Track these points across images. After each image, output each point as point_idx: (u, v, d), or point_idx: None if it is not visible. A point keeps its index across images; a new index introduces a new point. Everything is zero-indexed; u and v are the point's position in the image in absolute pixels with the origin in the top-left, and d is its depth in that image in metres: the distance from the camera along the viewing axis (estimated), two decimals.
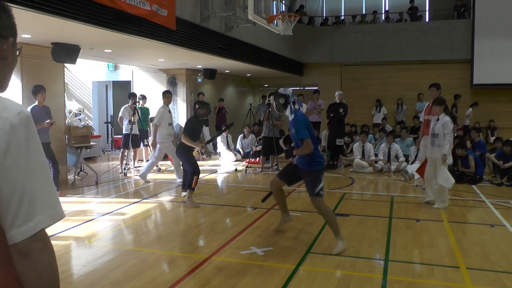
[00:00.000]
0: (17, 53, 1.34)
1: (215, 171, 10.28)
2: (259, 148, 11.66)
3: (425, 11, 17.88)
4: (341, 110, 11.18)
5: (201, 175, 10.09)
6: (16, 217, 1.15)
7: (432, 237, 5.50)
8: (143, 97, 11.34)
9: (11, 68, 1.32)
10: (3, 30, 1.26)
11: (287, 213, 5.71)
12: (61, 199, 7.22)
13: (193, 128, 7.07)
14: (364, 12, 18.31)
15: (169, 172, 10.29)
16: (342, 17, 18.44)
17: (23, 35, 7.26)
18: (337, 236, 4.99)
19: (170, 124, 8.99)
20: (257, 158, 11.56)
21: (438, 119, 7.02)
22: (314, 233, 5.59)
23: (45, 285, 1.21)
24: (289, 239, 5.36)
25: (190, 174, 7.03)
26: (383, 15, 18.14)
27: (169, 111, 9.09)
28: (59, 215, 1.23)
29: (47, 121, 7.45)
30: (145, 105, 11.43)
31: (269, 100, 10.62)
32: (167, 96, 9.13)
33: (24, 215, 1.15)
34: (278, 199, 5.66)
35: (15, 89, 7.94)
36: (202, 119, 7.25)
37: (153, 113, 12.46)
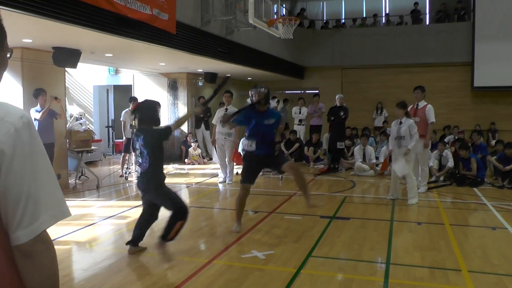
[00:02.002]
0: (8, 56, 1.33)
1: (216, 175, 10.27)
2: None
3: (426, 14, 17.89)
4: (342, 113, 11.19)
5: (202, 179, 10.26)
6: (22, 218, 1.17)
7: (433, 240, 5.49)
8: None
9: None
10: None
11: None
12: None
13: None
14: (364, 15, 18.32)
15: (170, 176, 10.29)
16: (343, 21, 18.44)
17: (24, 40, 7.29)
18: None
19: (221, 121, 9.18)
20: None
21: (401, 122, 7.43)
22: (315, 236, 5.58)
23: (46, 286, 1.23)
24: (290, 242, 5.35)
25: (174, 215, 4.60)
26: (384, 18, 18.17)
27: (226, 109, 9.19)
28: (63, 213, 1.25)
29: (52, 96, 7.85)
30: None
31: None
32: (224, 95, 9.38)
33: (30, 216, 1.17)
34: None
35: (16, 93, 7.97)
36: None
37: None
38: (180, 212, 4.58)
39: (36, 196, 1.18)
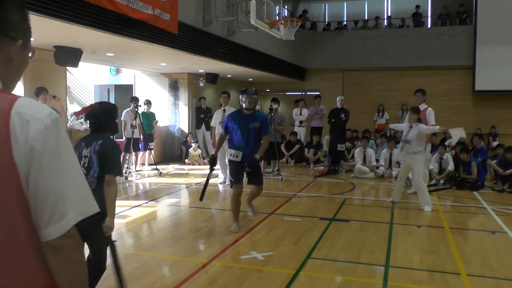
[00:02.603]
0: (29, 56, 1.37)
1: (216, 175, 10.27)
2: None
3: (427, 17, 17.89)
4: (343, 116, 11.19)
5: (202, 180, 10.23)
6: (52, 215, 1.19)
7: (433, 243, 5.49)
8: (148, 102, 11.41)
9: (18, 71, 1.35)
10: (12, 31, 1.28)
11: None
12: None
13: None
14: (366, 18, 18.31)
15: (170, 176, 10.30)
16: (344, 23, 18.44)
17: None
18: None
19: (221, 123, 9.08)
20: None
21: (411, 127, 7.39)
22: (315, 238, 5.58)
23: (76, 280, 1.27)
24: (290, 244, 5.35)
25: (98, 270, 3.76)
26: (385, 20, 18.17)
27: (223, 110, 9.17)
28: (91, 209, 1.27)
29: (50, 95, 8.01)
30: (150, 110, 11.52)
31: (271, 105, 10.65)
32: (222, 96, 9.37)
33: (59, 212, 1.20)
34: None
35: (17, 92, 7.96)
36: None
37: (157, 117, 12.55)
38: (100, 270, 3.76)
39: (64, 192, 1.21)
